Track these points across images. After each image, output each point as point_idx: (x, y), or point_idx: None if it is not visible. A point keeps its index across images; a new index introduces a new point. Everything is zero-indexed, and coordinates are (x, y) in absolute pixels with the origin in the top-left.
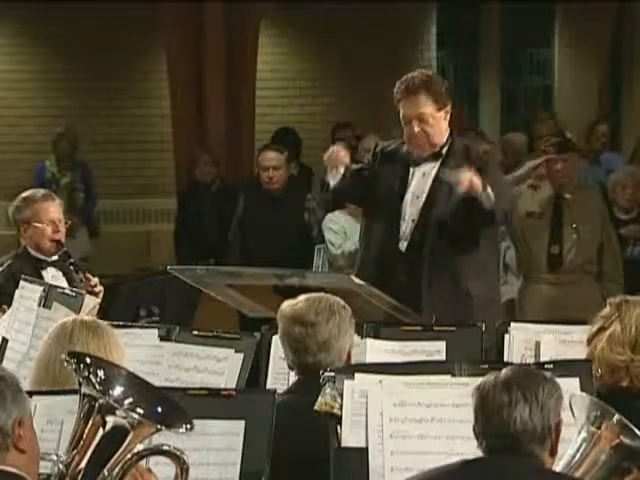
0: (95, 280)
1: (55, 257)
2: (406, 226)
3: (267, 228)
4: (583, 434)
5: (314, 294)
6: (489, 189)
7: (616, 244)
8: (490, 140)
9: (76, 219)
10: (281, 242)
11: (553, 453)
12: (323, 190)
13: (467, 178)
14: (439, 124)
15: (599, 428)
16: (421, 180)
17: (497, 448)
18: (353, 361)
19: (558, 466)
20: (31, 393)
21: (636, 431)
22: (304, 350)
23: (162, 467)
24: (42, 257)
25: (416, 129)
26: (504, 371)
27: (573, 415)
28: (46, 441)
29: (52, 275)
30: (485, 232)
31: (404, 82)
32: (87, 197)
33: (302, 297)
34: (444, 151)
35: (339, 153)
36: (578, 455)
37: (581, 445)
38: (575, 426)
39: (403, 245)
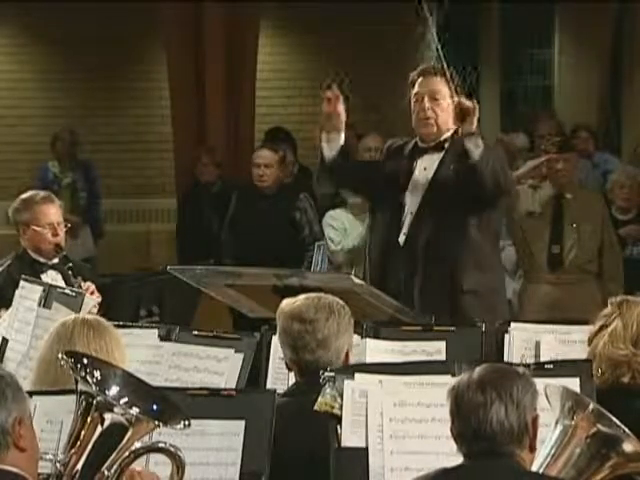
0: (92, 288)
1: (55, 260)
2: (406, 219)
3: (257, 226)
4: (559, 426)
5: (313, 293)
6: (479, 139)
7: (616, 244)
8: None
9: (78, 220)
10: (271, 241)
11: (532, 449)
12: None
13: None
14: (446, 111)
15: (574, 419)
16: (423, 172)
17: (476, 451)
18: (353, 361)
19: (537, 460)
20: (31, 393)
21: (611, 417)
22: (303, 347)
23: (162, 467)
24: (42, 260)
25: (427, 104)
26: (477, 370)
27: (549, 404)
28: (46, 441)
29: (51, 278)
30: (485, 226)
31: (421, 67)
32: (90, 197)
33: (301, 296)
34: (446, 145)
35: (340, 113)
36: (557, 447)
37: (559, 437)
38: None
39: (402, 239)
